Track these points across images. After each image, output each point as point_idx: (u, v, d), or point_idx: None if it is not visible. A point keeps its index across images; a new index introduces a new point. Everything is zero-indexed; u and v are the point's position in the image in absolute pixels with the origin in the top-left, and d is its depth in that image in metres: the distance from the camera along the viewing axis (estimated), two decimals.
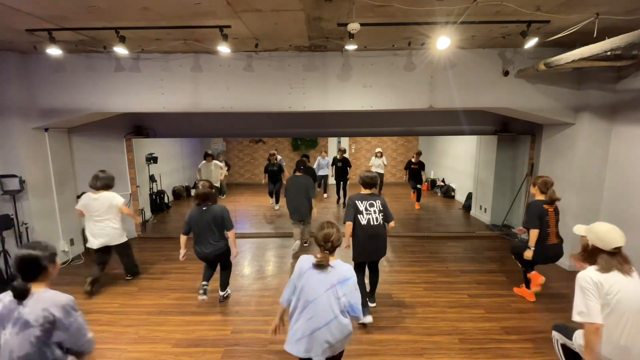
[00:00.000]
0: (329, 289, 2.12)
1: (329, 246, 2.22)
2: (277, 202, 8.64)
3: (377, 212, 3.50)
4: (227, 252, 3.91)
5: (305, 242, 5.84)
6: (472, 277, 4.67)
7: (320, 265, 2.16)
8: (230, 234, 3.82)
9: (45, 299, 1.72)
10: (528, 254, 3.74)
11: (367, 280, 3.81)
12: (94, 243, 4.27)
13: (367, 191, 3.59)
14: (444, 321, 3.64)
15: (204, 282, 3.91)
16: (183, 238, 3.82)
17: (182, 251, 3.83)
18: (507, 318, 3.69)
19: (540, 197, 3.75)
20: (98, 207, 4.17)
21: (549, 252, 3.74)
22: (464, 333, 3.44)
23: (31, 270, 1.76)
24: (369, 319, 3.51)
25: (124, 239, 4.42)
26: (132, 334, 3.48)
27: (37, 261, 1.76)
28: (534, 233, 3.68)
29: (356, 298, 2.16)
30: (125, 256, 4.56)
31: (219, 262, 3.97)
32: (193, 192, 10.05)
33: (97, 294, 4.27)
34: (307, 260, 2.23)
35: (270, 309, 3.90)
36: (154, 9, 3.15)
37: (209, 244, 3.75)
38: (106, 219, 4.21)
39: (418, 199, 8.56)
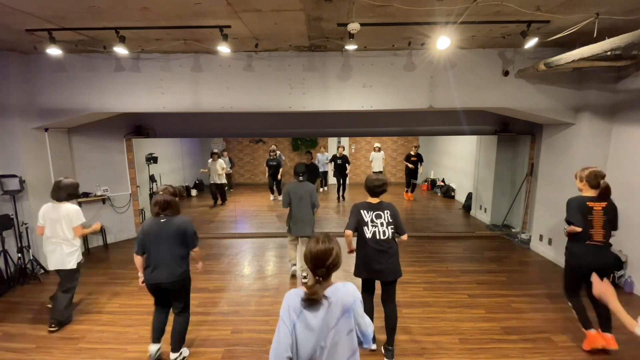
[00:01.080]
0: (335, 325, 1.57)
1: (323, 272, 1.60)
2: (279, 193, 9.14)
3: (385, 224, 3.00)
4: (185, 281, 2.98)
5: (305, 277, 4.64)
6: (472, 277, 4.67)
7: (312, 301, 1.56)
8: (195, 253, 3.01)
9: None
10: (569, 228, 3.14)
11: (376, 311, 3.24)
12: (49, 264, 3.56)
13: (375, 200, 3.07)
14: (444, 321, 3.64)
15: (154, 347, 3.01)
16: (138, 260, 2.89)
17: (141, 274, 2.94)
18: (507, 318, 3.69)
19: (588, 192, 3.10)
20: (54, 220, 3.49)
21: (590, 253, 3.06)
22: (464, 333, 3.44)
23: None
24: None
25: (73, 265, 3.57)
26: (132, 334, 3.48)
27: None
28: (574, 229, 3.07)
29: (366, 324, 1.64)
30: (64, 288, 3.63)
31: (174, 295, 2.99)
32: (194, 192, 10.12)
33: (95, 295, 4.27)
34: (295, 298, 1.60)
35: (271, 308, 3.90)
36: (154, 9, 3.15)
37: (164, 266, 2.84)
38: (59, 235, 3.51)
39: (412, 190, 9.23)
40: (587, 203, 3.07)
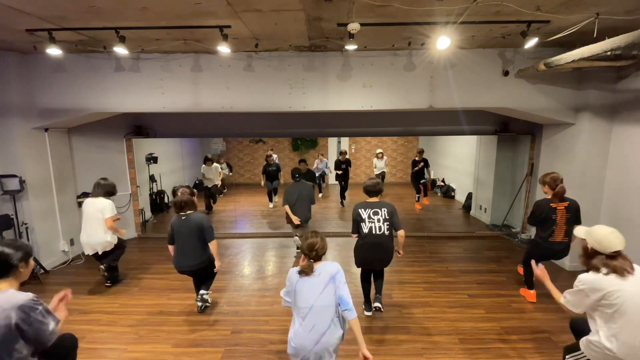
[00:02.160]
0: (323, 289, 2.21)
1: (313, 255, 2.30)
2: (274, 198, 8.81)
3: (381, 220, 3.38)
4: (209, 265, 3.66)
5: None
6: (472, 277, 4.67)
7: (304, 272, 2.27)
8: (212, 245, 3.58)
9: (3, 300, 1.70)
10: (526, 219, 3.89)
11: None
12: (86, 249, 4.23)
13: (373, 199, 3.51)
14: (444, 321, 3.64)
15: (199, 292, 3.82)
16: (171, 248, 3.61)
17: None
18: (507, 318, 3.69)
19: (550, 195, 3.65)
20: (90, 212, 4.10)
21: (553, 248, 3.68)
22: (464, 333, 3.44)
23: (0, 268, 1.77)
24: (370, 313, 3.74)
25: (112, 245, 4.26)
26: (132, 334, 3.48)
27: (7, 259, 1.78)
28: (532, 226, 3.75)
29: (345, 291, 2.25)
30: (111, 256, 4.36)
31: (199, 277, 3.77)
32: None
33: (95, 295, 4.27)
34: (294, 272, 2.34)
35: (271, 309, 3.90)
36: (154, 9, 3.15)
37: (189, 255, 3.52)
38: (95, 226, 4.10)
39: (425, 194, 8.64)
40: (551, 204, 3.60)
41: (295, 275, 2.31)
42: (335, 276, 2.26)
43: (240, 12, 3.24)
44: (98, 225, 4.08)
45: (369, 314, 3.73)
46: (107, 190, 4.21)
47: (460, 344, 3.27)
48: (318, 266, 2.30)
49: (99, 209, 4.08)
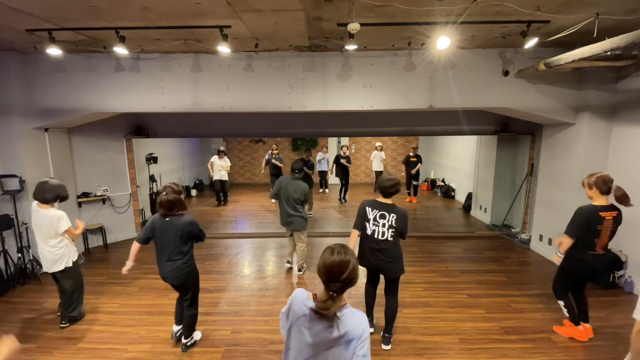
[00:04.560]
0: (330, 348, 1.46)
1: (336, 287, 1.45)
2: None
3: (386, 225, 2.99)
4: (192, 273, 3.14)
5: (300, 269, 4.85)
6: (472, 277, 4.67)
7: (321, 315, 1.45)
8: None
9: None
10: (555, 259, 3.33)
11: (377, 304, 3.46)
12: (44, 266, 3.51)
13: (386, 200, 3.07)
14: (444, 321, 3.64)
15: (176, 327, 3.34)
16: (136, 247, 3.08)
17: (129, 263, 3.13)
18: (507, 318, 3.69)
19: (600, 200, 3.04)
20: (43, 223, 3.37)
21: (595, 262, 3.10)
22: (464, 333, 3.44)
23: None
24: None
25: (62, 266, 3.48)
26: (132, 334, 3.48)
27: None
28: (567, 241, 3.08)
29: None
30: (66, 287, 3.58)
31: (182, 288, 3.16)
32: (194, 192, 10.12)
33: (95, 295, 4.27)
34: (302, 300, 1.53)
35: (271, 308, 3.90)
36: (154, 9, 3.15)
37: (170, 262, 3.01)
38: (48, 239, 3.41)
39: (415, 193, 9.04)
40: (600, 213, 3.00)
41: (303, 305, 1.51)
42: (355, 342, 1.44)
43: (240, 12, 3.24)
44: (49, 236, 3.40)
45: (370, 330, 3.21)
46: (59, 193, 3.40)
47: (460, 344, 3.27)
48: (341, 312, 1.47)
49: (49, 220, 3.35)
